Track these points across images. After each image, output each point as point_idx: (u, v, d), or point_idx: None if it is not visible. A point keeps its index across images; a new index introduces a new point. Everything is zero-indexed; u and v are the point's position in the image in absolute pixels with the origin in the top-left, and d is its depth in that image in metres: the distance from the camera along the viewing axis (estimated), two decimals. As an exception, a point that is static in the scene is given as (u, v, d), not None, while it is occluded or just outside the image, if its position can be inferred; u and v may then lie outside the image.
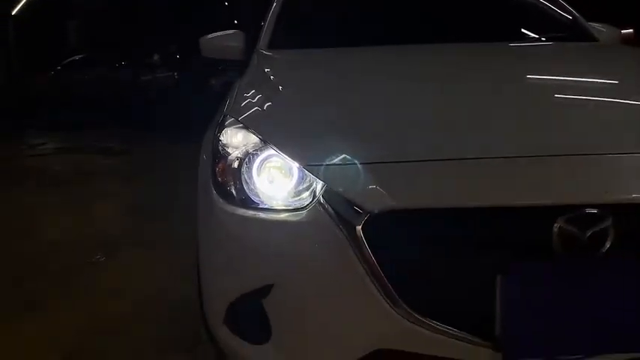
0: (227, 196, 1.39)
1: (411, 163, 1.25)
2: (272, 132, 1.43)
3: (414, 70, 1.85)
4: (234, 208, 1.37)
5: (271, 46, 2.29)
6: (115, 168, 6.08)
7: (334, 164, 1.28)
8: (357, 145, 1.32)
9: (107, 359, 2.06)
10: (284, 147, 1.37)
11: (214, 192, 1.42)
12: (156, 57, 18.35)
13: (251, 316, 1.33)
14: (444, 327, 1.18)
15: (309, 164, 1.31)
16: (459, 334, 1.18)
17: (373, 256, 1.18)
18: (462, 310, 1.19)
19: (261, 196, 1.36)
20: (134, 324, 2.26)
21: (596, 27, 2.48)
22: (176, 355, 2.02)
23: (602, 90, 1.65)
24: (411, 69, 1.86)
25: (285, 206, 1.32)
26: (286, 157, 1.35)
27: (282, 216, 1.31)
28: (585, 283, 1.16)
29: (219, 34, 2.55)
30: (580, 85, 1.69)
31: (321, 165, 1.29)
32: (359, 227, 1.19)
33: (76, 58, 14.04)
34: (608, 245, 1.15)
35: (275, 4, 2.56)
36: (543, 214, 1.15)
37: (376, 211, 1.18)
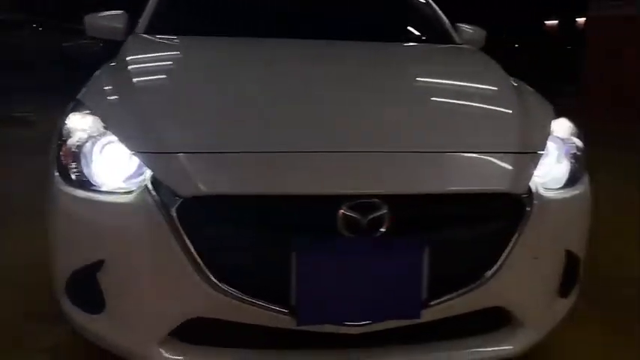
0: (67, 178, 1.51)
1: (220, 154, 1.41)
2: (114, 120, 1.55)
3: (265, 66, 1.98)
4: (72, 189, 1.49)
5: (149, 31, 2.36)
6: (29, 138, 5.91)
7: (160, 153, 1.43)
8: (182, 136, 1.47)
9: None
10: (122, 135, 1.49)
11: (56, 173, 1.53)
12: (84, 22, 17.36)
13: (87, 288, 1.47)
14: (248, 297, 1.37)
15: (140, 152, 1.44)
16: (261, 303, 1.37)
17: (187, 235, 1.34)
18: (264, 282, 1.38)
19: (97, 179, 1.48)
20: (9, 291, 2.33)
21: (464, 28, 2.70)
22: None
23: (414, 91, 1.85)
24: (263, 65, 1.99)
25: (118, 189, 1.45)
26: (122, 144, 1.47)
27: (114, 198, 1.44)
28: (365, 260, 1.37)
29: (104, 13, 2.58)
30: (397, 85, 1.88)
31: (150, 153, 1.43)
32: (173, 210, 1.34)
33: None
34: (384, 229, 1.36)
35: None
36: (330, 202, 1.34)
37: (188, 196, 1.34)
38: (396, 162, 1.43)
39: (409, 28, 2.66)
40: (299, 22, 2.45)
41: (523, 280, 1.52)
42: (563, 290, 1.66)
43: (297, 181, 1.37)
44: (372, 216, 1.35)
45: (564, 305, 1.70)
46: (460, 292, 1.44)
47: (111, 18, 2.53)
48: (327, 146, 1.43)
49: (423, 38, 2.63)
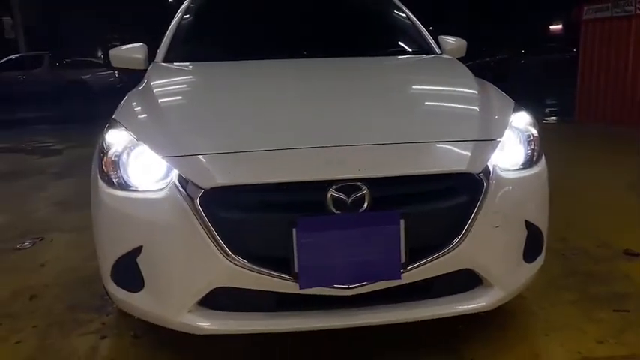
0: (109, 182, 1.85)
1: (233, 153, 1.76)
2: (144, 133, 1.91)
3: (266, 83, 2.35)
4: (113, 190, 1.84)
5: (167, 59, 2.73)
6: (53, 165, 6.35)
7: (183, 155, 1.77)
8: (200, 141, 1.82)
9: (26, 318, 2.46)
10: (152, 144, 1.84)
11: (100, 180, 1.88)
12: (100, 54, 18.18)
13: (129, 271, 1.81)
14: (259, 268, 1.69)
15: (168, 156, 1.79)
16: (270, 272, 1.69)
17: (208, 220, 1.68)
18: (271, 254, 1.70)
19: (133, 181, 1.83)
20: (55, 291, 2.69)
21: (446, 40, 3.04)
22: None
23: (393, 96, 2.18)
24: (265, 82, 2.36)
25: (151, 188, 1.80)
26: (152, 151, 1.82)
27: (148, 195, 1.78)
28: (351, 232, 1.69)
29: (126, 46, 2.97)
30: (379, 92, 2.22)
31: (175, 156, 1.78)
32: (197, 200, 1.68)
33: (13, 57, 13.92)
34: (365, 206, 1.68)
35: (174, 21, 3.01)
36: (321, 187, 1.67)
37: (208, 188, 1.68)
38: (373, 152, 1.76)
39: (394, 43, 3.03)
40: (298, 43, 2.83)
41: (487, 246, 1.82)
42: (528, 256, 1.96)
43: (293, 171, 1.70)
44: (354, 196, 1.67)
45: (529, 269, 1.99)
46: (433, 256, 1.75)
47: (132, 50, 2.91)
48: (317, 142, 1.77)
49: (407, 50, 3.00)
